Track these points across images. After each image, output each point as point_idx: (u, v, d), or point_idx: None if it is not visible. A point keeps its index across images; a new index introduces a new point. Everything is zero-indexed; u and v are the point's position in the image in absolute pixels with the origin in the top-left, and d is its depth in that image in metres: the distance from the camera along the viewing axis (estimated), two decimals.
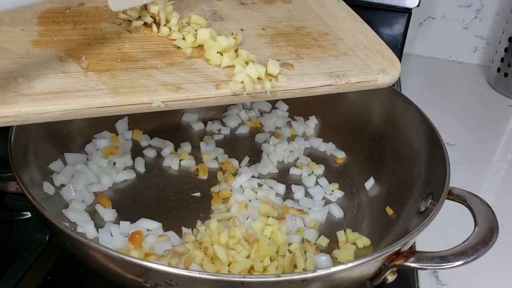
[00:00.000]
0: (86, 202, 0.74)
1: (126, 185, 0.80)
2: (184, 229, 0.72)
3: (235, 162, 0.86)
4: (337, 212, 0.78)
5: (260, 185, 0.82)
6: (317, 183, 0.84)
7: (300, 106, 0.96)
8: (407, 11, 1.21)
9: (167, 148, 0.87)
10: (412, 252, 0.56)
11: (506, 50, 1.22)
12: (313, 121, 0.94)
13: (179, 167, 0.85)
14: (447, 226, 0.74)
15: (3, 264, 0.65)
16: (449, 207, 0.62)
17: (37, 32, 0.57)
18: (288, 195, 0.81)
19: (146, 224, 0.71)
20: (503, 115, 1.19)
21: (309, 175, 0.85)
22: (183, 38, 0.61)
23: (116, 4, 0.56)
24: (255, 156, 0.89)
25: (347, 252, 0.70)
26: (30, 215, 0.72)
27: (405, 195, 0.74)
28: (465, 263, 0.54)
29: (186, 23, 0.63)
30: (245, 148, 0.91)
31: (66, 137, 0.79)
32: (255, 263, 0.65)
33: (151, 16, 0.62)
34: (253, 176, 0.83)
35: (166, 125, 0.93)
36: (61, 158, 0.76)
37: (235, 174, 0.83)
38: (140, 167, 0.83)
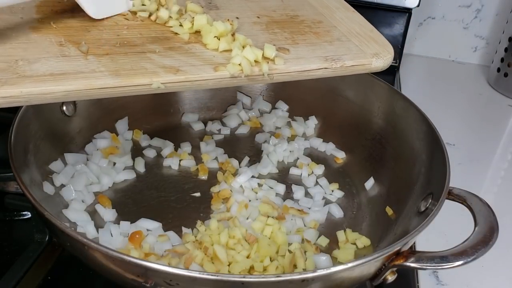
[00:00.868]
0: (86, 202, 0.74)
1: (126, 185, 0.80)
2: (184, 229, 0.72)
3: (235, 162, 0.86)
4: (337, 212, 0.78)
5: (260, 185, 0.82)
6: (317, 183, 0.84)
7: (300, 106, 0.96)
8: (407, 11, 1.21)
9: (167, 148, 0.87)
10: (412, 252, 0.56)
11: (506, 50, 1.22)
12: (313, 121, 0.94)
13: (179, 167, 0.85)
14: (447, 226, 0.74)
15: (3, 264, 0.65)
16: (449, 207, 0.62)
17: (36, 20, 0.58)
18: (288, 195, 0.81)
19: (146, 224, 0.71)
20: (503, 115, 1.19)
21: (309, 175, 0.86)
22: (180, 25, 0.62)
23: (97, 13, 0.58)
24: (255, 156, 0.89)
25: (347, 252, 0.70)
26: (30, 215, 0.72)
27: (405, 195, 0.74)
28: (465, 263, 0.54)
29: (182, 11, 0.64)
30: (245, 148, 0.91)
31: (66, 137, 0.79)
32: (255, 263, 0.65)
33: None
34: (253, 176, 0.83)
35: (166, 125, 0.93)
36: (61, 158, 0.76)
37: (235, 174, 0.83)
38: (140, 167, 0.83)
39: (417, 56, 1.41)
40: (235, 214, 0.75)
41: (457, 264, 0.54)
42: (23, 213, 0.73)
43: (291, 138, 0.93)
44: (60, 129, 0.78)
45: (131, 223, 0.71)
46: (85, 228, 0.69)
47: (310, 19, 0.70)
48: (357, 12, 0.73)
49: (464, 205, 0.62)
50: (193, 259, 0.65)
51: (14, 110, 0.66)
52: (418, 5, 1.18)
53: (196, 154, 0.87)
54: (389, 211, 0.76)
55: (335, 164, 0.89)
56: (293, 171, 0.86)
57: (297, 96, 0.96)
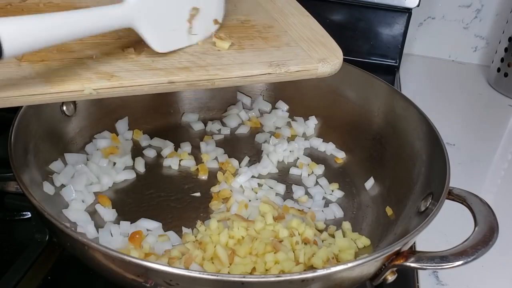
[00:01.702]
0: (86, 202, 0.74)
1: (126, 185, 0.80)
2: (184, 229, 0.72)
3: (235, 162, 0.86)
4: (337, 212, 0.78)
5: (260, 185, 0.82)
6: (317, 183, 0.84)
7: (300, 106, 0.96)
8: (407, 11, 1.21)
9: (167, 148, 0.87)
10: (412, 252, 0.56)
11: (506, 50, 1.22)
12: (313, 121, 0.94)
13: (179, 167, 0.85)
14: (447, 226, 0.74)
15: (3, 264, 0.65)
16: (449, 207, 0.62)
17: None
18: (288, 195, 0.81)
19: (146, 224, 0.71)
20: (503, 115, 1.19)
21: (309, 175, 0.86)
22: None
23: (161, 46, 0.57)
24: (255, 156, 0.89)
25: (347, 252, 0.70)
26: (30, 215, 0.72)
27: (405, 195, 0.74)
28: (465, 263, 0.54)
29: None
30: (245, 148, 0.91)
31: (66, 137, 0.79)
32: (256, 265, 0.65)
33: None
34: (253, 176, 0.83)
35: (166, 125, 0.93)
36: (61, 158, 0.76)
37: (235, 174, 0.83)
38: (140, 167, 0.83)
39: (417, 56, 1.41)
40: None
41: (457, 264, 0.54)
42: (23, 213, 0.72)
43: (291, 138, 0.93)
44: (60, 129, 0.78)
45: (131, 223, 0.71)
46: (85, 228, 0.69)
47: (261, 24, 0.69)
48: (311, 17, 0.72)
49: (464, 205, 0.62)
50: (193, 259, 0.65)
51: (14, 110, 0.66)
52: (418, 5, 1.18)
53: (196, 154, 0.87)
54: (389, 211, 0.76)
55: (335, 164, 0.89)
56: (293, 171, 0.86)
57: (297, 96, 0.96)
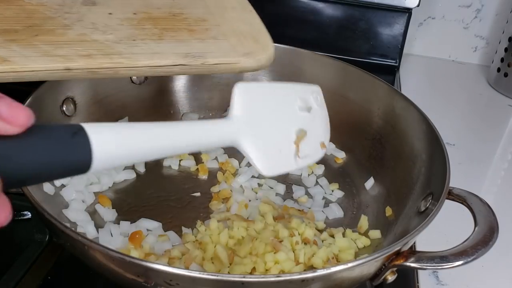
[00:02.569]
0: (86, 202, 0.74)
1: (126, 185, 0.80)
2: (184, 229, 0.72)
3: (235, 162, 0.86)
4: (337, 212, 0.78)
5: (260, 185, 0.82)
6: (317, 183, 0.84)
7: None
8: (407, 11, 1.21)
9: None
10: (412, 252, 0.56)
11: (506, 50, 1.22)
12: None
13: (179, 167, 0.85)
14: (447, 226, 0.73)
15: (3, 264, 0.65)
16: (449, 207, 0.62)
17: None
18: (288, 195, 0.81)
19: (146, 224, 0.72)
20: (503, 115, 1.19)
21: (309, 175, 0.86)
22: None
23: (267, 170, 0.53)
24: None
25: (347, 252, 0.70)
26: (30, 215, 0.72)
27: (405, 195, 0.74)
28: (465, 263, 0.54)
29: None
30: None
31: None
32: (256, 265, 0.64)
33: None
34: (253, 176, 0.83)
35: None
36: None
37: (235, 174, 0.83)
38: (140, 167, 0.83)
39: (417, 56, 1.40)
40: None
41: (457, 264, 0.54)
42: (23, 213, 0.72)
43: None
44: None
45: (131, 223, 0.71)
46: (85, 228, 0.69)
47: (194, 18, 0.66)
48: (254, 12, 0.69)
49: (464, 205, 0.62)
50: (193, 259, 0.65)
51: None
52: (418, 5, 1.18)
53: (196, 154, 0.87)
54: (389, 211, 0.76)
55: (335, 164, 0.89)
56: (293, 171, 0.86)
57: None
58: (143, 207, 0.76)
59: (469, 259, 0.54)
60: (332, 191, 0.83)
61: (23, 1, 0.63)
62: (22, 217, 0.72)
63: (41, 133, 0.35)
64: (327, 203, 0.80)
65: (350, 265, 0.51)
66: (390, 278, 0.57)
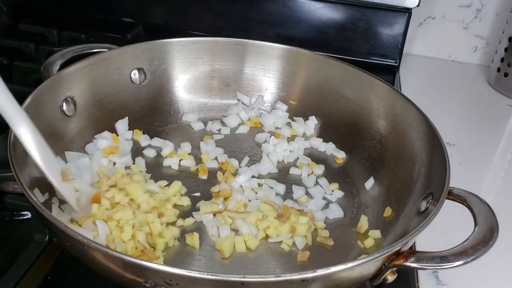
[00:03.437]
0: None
1: None
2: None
3: (235, 162, 0.86)
4: (337, 212, 0.78)
5: (260, 185, 0.82)
6: (317, 183, 0.84)
7: (300, 106, 0.96)
8: (407, 11, 1.21)
9: (167, 148, 0.87)
10: (412, 252, 0.56)
11: (506, 50, 1.22)
12: (312, 121, 0.94)
13: (179, 167, 0.85)
14: (447, 226, 0.73)
15: (3, 264, 0.65)
16: (449, 207, 0.62)
17: None
18: (288, 195, 0.81)
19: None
20: (503, 115, 1.19)
21: (309, 175, 0.85)
22: None
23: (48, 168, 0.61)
24: (255, 156, 0.89)
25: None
26: (30, 215, 0.72)
27: (405, 195, 0.74)
28: (465, 263, 0.54)
29: None
30: (245, 148, 0.91)
31: (66, 137, 0.79)
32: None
33: None
34: (253, 176, 0.83)
35: (166, 125, 0.93)
36: (62, 157, 0.76)
37: (235, 174, 0.83)
38: (140, 167, 0.83)
39: (417, 56, 1.41)
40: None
41: (457, 264, 0.54)
42: (23, 213, 0.72)
43: (291, 138, 0.93)
44: (60, 129, 0.78)
45: None
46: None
47: None
48: None
49: (464, 205, 0.62)
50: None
51: None
52: (418, 5, 1.18)
53: (196, 154, 0.87)
54: (388, 211, 0.76)
55: (335, 164, 0.89)
56: (293, 171, 0.86)
57: (297, 96, 0.96)
58: None
59: (469, 259, 0.54)
60: (332, 191, 0.83)
61: None
62: (22, 217, 0.72)
63: None
64: (327, 203, 0.80)
65: (350, 265, 0.51)
66: (390, 278, 0.57)
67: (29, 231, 0.69)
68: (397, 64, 1.26)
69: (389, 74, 1.24)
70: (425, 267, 0.55)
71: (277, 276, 0.49)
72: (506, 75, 1.24)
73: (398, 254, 0.55)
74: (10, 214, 0.73)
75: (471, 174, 0.97)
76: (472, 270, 0.72)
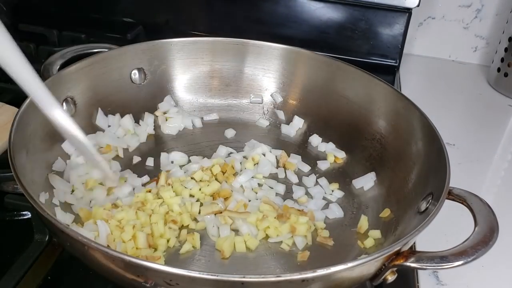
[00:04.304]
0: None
1: None
2: None
3: (235, 163, 0.86)
4: (337, 212, 0.78)
5: (260, 185, 0.82)
6: (317, 183, 0.84)
7: (300, 106, 0.96)
8: (407, 11, 1.21)
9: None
10: (412, 252, 0.56)
11: (506, 50, 1.22)
12: (299, 122, 0.95)
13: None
14: (447, 226, 0.73)
15: (3, 264, 0.65)
16: (449, 207, 0.62)
17: None
18: (288, 195, 0.81)
19: None
20: (503, 115, 1.19)
21: (309, 175, 0.85)
22: None
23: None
24: None
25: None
26: (30, 215, 0.72)
27: (405, 195, 0.74)
28: (465, 263, 0.54)
29: None
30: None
31: None
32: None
33: None
34: (253, 177, 0.83)
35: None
36: (62, 157, 0.76)
37: (235, 174, 0.83)
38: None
39: (417, 56, 1.40)
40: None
41: (457, 264, 0.54)
42: (23, 213, 0.72)
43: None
44: None
45: None
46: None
47: None
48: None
49: (464, 205, 0.62)
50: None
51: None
52: (418, 5, 1.18)
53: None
54: (387, 212, 0.76)
55: (335, 164, 0.89)
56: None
57: (297, 96, 0.96)
58: None
59: (469, 259, 0.54)
60: (332, 191, 0.83)
61: None
62: (22, 217, 0.72)
63: None
64: (327, 203, 0.80)
65: (350, 265, 0.51)
66: (390, 278, 0.57)
67: (29, 231, 0.69)
68: (397, 64, 1.26)
69: (389, 74, 1.24)
70: (425, 267, 0.55)
71: (277, 276, 0.49)
72: (506, 75, 1.24)
73: (398, 254, 0.55)
74: (10, 214, 0.73)
75: (471, 174, 0.97)
76: (472, 270, 0.72)
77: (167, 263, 0.66)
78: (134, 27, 1.26)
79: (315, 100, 0.94)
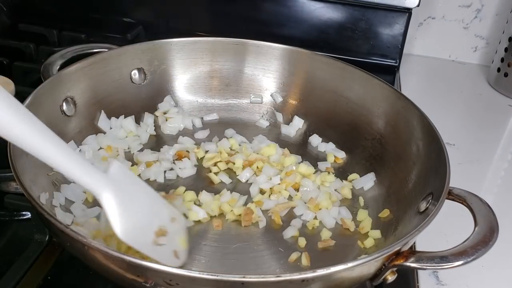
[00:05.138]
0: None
1: None
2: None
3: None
4: (346, 215, 0.78)
5: None
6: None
7: (300, 106, 0.96)
8: (407, 11, 1.21)
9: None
10: (412, 252, 0.56)
11: (506, 50, 1.22)
12: (299, 122, 0.95)
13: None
14: (447, 226, 0.74)
15: (3, 264, 0.65)
16: (449, 207, 0.62)
17: None
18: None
19: None
20: (503, 115, 1.19)
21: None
22: None
23: (125, 234, 0.55)
24: None
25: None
26: (30, 215, 0.72)
27: (405, 195, 0.74)
28: (465, 263, 0.54)
29: None
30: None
31: (66, 137, 0.79)
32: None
33: None
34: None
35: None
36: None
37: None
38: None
39: (417, 56, 1.40)
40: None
41: (457, 264, 0.54)
42: (23, 213, 0.72)
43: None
44: (60, 129, 0.78)
45: None
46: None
47: None
48: None
49: (464, 205, 0.62)
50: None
51: None
52: (418, 5, 1.18)
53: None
54: (386, 212, 0.76)
55: (335, 164, 0.89)
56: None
57: (297, 96, 0.96)
58: None
59: (469, 259, 0.54)
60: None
61: None
62: (22, 217, 0.72)
63: None
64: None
65: (350, 265, 0.51)
66: (390, 278, 0.57)
67: (29, 231, 0.69)
68: (397, 64, 1.26)
69: (389, 74, 1.24)
70: (425, 267, 0.55)
71: (277, 276, 0.49)
72: (506, 75, 1.24)
73: (398, 254, 0.55)
74: (10, 214, 0.72)
75: (471, 174, 0.97)
76: (472, 270, 0.72)
77: None
78: (134, 27, 1.26)
79: (315, 100, 0.94)
